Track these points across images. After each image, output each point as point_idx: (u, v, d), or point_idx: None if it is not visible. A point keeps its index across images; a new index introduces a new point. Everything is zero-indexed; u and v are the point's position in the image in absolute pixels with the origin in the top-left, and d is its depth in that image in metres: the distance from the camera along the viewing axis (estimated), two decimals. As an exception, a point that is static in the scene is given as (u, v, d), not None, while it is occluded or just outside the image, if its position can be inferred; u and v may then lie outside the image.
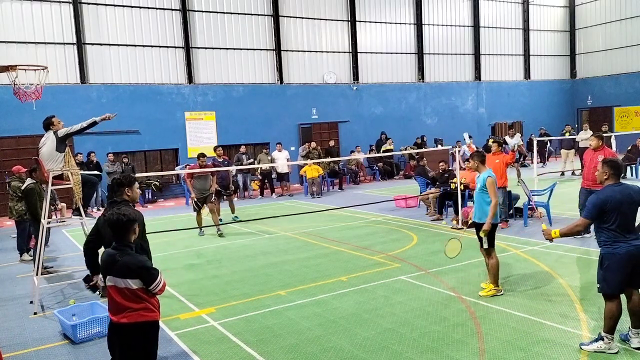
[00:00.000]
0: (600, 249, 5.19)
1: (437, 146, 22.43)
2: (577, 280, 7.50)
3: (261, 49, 21.88)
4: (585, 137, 19.03)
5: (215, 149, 15.54)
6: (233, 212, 13.88)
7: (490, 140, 12.29)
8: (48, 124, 7.75)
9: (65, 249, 11.70)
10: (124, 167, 17.62)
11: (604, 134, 12.75)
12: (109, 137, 18.65)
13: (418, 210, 14.30)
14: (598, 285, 5.24)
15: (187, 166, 18.25)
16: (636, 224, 5.21)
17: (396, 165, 23.48)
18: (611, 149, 12.54)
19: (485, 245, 7.04)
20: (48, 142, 7.61)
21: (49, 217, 8.48)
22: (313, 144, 20.93)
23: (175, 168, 19.31)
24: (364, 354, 5.47)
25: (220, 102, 20.86)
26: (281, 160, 18.57)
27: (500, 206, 11.30)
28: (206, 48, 20.81)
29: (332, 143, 22.33)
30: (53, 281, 8.74)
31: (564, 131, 21.14)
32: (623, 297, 5.23)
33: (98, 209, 16.65)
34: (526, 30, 29.30)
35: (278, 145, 19.30)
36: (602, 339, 5.19)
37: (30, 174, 9.92)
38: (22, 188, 9.87)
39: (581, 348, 5.27)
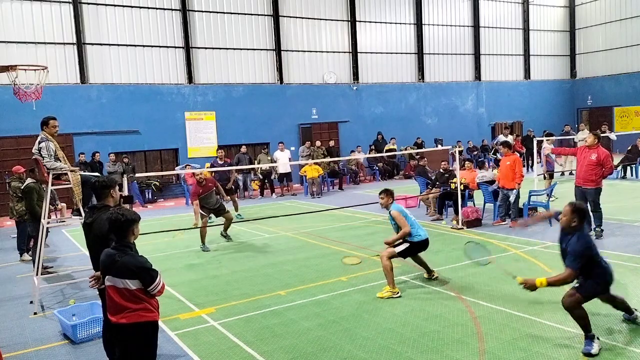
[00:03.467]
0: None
1: (437, 146, 22.43)
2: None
3: (261, 49, 21.88)
4: (583, 137, 19.05)
5: (217, 150, 15.88)
6: (237, 210, 13.90)
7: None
8: (43, 124, 7.55)
9: (65, 249, 11.70)
10: (124, 167, 17.63)
11: (603, 134, 12.75)
12: (109, 137, 18.66)
13: (418, 210, 14.29)
14: (577, 283, 5.32)
15: (188, 166, 18.32)
16: None
17: (396, 165, 23.48)
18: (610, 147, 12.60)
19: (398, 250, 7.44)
20: (34, 150, 7.50)
21: (49, 217, 8.48)
22: (318, 143, 20.94)
23: (175, 168, 19.31)
24: (364, 354, 5.47)
25: (220, 102, 20.86)
26: (283, 160, 18.55)
27: (510, 205, 11.39)
28: (206, 48, 20.81)
29: (332, 143, 22.33)
30: (53, 281, 8.74)
31: (564, 131, 21.21)
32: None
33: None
34: (526, 30, 29.29)
35: (280, 144, 19.30)
36: (596, 338, 5.19)
37: (29, 173, 9.92)
38: (22, 187, 9.87)
39: (590, 355, 5.10)
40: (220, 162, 14.97)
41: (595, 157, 9.51)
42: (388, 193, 7.75)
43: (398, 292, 7.22)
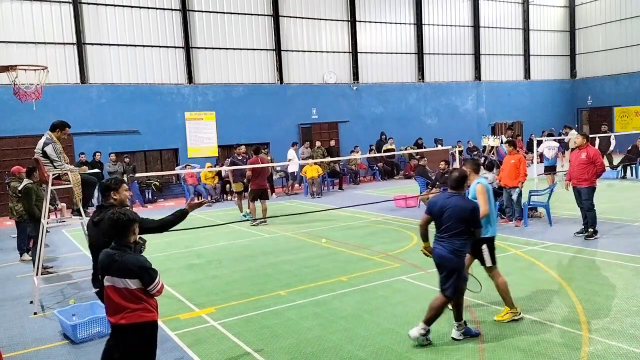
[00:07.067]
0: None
1: (437, 146, 22.42)
2: (577, 280, 7.49)
3: (261, 49, 21.88)
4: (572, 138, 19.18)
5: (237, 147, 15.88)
6: (241, 211, 14.20)
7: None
8: (55, 127, 7.47)
9: (65, 249, 11.70)
10: (125, 166, 17.64)
11: (605, 134, 12.74)
12: (109, 137, 18.66)
13: (418, 210, 14.28)
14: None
15: (188, 166, 18.32)
16: None
17: (396, 165, 23.47)
18: (595, 147, 12.68)
19: None
20: (37, 150, 7.48)
21: (49, 217, 8.47)
22: (318, 143, 20.97)
23: (175, 168, 19.31)
24: (364, 354, 5.47)
25: (220, 102, 20.86)
26: (296, 159, 19.03)
27: (513, 204, 11.39)
28: (206, 48, 20.81)
29: (332, 143, 22.33)
30: (53, 281, 8.73)
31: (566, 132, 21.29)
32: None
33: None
34: (526, 30, 29.30)
35: (295, 144, 20.08)
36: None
37: (28, 174, 9.91)
38: (19, 188, 9.85)
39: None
40: (239, 157, 14.95)
41: (585, 156, 9.77)
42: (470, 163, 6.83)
43: (520, 313, 6.16)
